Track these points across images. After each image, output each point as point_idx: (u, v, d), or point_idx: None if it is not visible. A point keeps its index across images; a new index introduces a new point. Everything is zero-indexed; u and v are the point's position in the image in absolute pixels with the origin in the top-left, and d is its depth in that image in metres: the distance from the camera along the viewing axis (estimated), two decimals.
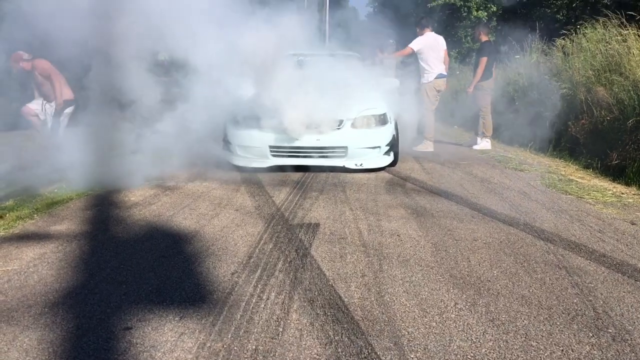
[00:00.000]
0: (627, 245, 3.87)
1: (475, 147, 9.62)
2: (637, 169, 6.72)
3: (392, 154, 6.55)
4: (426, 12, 24.23)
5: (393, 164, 6.61)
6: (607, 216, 4.70)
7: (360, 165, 6.28)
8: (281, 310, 2.74)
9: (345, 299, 2.86)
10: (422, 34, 9.07)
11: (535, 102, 11.26)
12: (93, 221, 4.42)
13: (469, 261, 3.48)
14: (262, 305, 2.79)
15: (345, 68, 7.43)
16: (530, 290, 3.01)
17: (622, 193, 5.73)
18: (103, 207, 4.85)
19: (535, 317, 2.67)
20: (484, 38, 9.87)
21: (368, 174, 6.22)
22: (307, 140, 6.19)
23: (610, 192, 5.69)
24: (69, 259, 3.50)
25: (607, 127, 8.30)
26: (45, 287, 3.04)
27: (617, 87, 8.48)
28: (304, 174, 6.12)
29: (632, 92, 7.90)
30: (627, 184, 6.36)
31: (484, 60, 9.52)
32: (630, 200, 5.33)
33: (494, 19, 23.56)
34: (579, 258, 3.57)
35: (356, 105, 6.46)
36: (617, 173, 7.01)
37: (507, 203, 5.10)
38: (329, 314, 2.69)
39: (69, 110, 7.68)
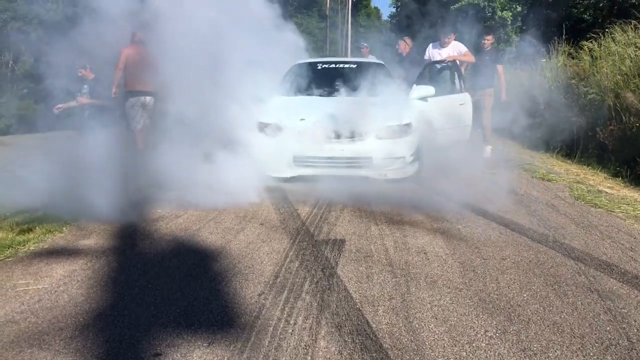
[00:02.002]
0: None
1: (485, 155, 9.15)
2: None
3: (416, 164, 6.50)
4: (451, 14, 24.01)
5: (417, 174, 6.55)
6: (639, 233, 4.60)
7: (385, 175, 6.23)
8: (309, 336, 2.73)
9: (373, 325, 2.84)
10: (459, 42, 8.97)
11: (562, 106, 11.10)
12: (120, 235, 4.46)
13: (498, 282, 3.43)
14: (290, 331, 2.78)
15: (371, 77, 7.37)
16: (562, 317, 2.95)
17: None
18: (130, 219, 4.88)
19: (567, 347, 2.62)
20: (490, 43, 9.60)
21: (393, 185, 6.17)
22: (331, 150, 6.17)
23: None
24: (98, 277, 3.53)
25: (637, 134, 8.14)
26: (76, 308, 3.06)
27: None
28: (328, 185, 6.10)
29: None
30: None
31: (501, 67, 9.35)
32: None
33: (519, 19, 23.24)
34: (611, 280, 3.50)
35: (381, 115, 6.41)
36: None
37: (535, 217, 5.02)
38: (357, 341, 2.68)
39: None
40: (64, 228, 4.66)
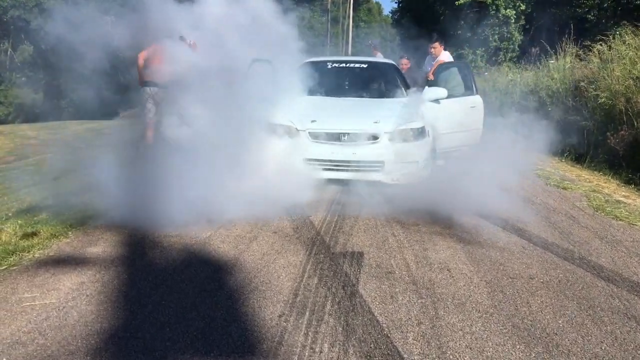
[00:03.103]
0: None
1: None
2: None
3: (429, 168, 6.32)
4: (453, 10, 23.81)
5: (430, 179, 6.36)
6: None
7: (397, 180, 6.05)
8: None
9: (405, 355, 2.66)
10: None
11: (571, 109, 10.95)
12: (128, 243, 4.27)
13: (530, 306, 3.26)
14: None
15: (382, 78, 7.18)
16: (603, 348, 2.79)
17: None
18: (137, 224, 4.67)
19: None
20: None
21: (405, 191, 5.98)
22: (343, 153, 5.98)
23: None
24: (107, 291, 3.35)
25: None
26: (86, 328, 2.88)
27: None
28: (340, 189, 5.92)
29: None
30: None
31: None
32: None
33: (523, 17, 23.08)
34: None
35: (394, 118, 6.23)
36: None
37: (556, 230, 4.86)
38: None
39: None
40: (70, 233, 4.47)
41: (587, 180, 7.49)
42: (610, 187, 7.09)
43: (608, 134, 9.05)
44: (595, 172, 8.32)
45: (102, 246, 4.19)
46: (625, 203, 6.05)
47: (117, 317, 3.03)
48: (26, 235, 4.35)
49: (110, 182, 5.16)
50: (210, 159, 5.83)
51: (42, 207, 5.34)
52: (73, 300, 3.23)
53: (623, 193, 6.74)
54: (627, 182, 7.47)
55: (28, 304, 3.17)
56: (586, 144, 9.66)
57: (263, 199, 5.43)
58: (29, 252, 4.00)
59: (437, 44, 8.44)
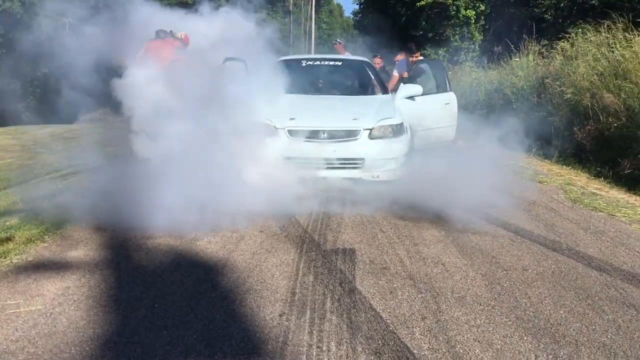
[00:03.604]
0: None
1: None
2: None
3: (408, 165, 6.29)
4: (414, 11, 24.02)
5: (409, 175, 6.34)
6: None
7: (377, 177, 6.00)
8: None
9: (415, 351, 2.61)
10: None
11: (536, 105, 11.13)
12: (111, 245, 4.11)
13: (529, 297, 3.25)
14: (326, 359, 2.52)
15: (358, 75, 7.13)
16: (609, 337, 2.79)
17: None
18: (117, 227, 4.50)
19: None
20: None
21: (387, 187, 5.94)
22: (323, 151, 5.90)
23: None
24: (96, 296, 3.20)
25: (616, 135, 8.16)
26: (78, 334, 2.73)
27: (625, 93, 8.34)
28: (322, 187, 5.84)
29: None
30: None
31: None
32: None
33: (483, 18, 23.43)
34: None
35: (372, 115, 6.18)
36: (631, 183, 6.85)
37: (540, 222, 4.90)
38: None
39: None
40: (46, 237, 4.27)
41: (559, 175, 7.61)
42: (581, 181, 7.21)
43: (575, 129, 9.22)
44: (565, 167, 8.46)
45: (83, 249, 4.01)
46: (601, 195, 6.15)
47: (109, 322, 2.89)
48: (0, 241, 4.14)
49: (84, 185, 4.98)
50: (188, 160, 5.69)
51: (12, 211, 5.10)
52: (60, 306, 3.07)
53: (595, 186, 6.85)
54: (597, 175, 7.60)
55: (12, 311, 2.99)
56: (554, 140, 9.82)
57: (245, 199, 5.31)
58: (5, 257, 3.79)
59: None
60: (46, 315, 2.95)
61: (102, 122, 18.26)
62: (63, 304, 3.09)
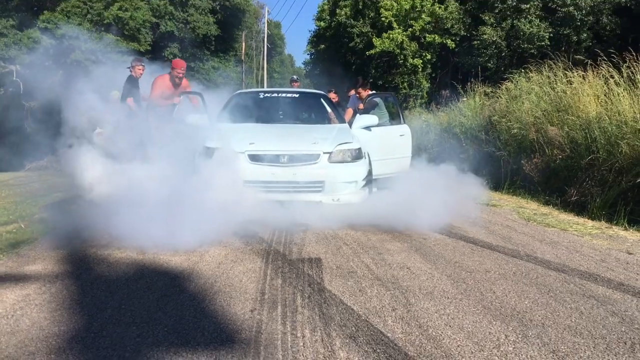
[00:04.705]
0: (638, 273, 3.85)
1: None
2: (599, 204, 6.84)
3: (367, 189, 6.40)
4: (364, 60, 24.78)
5: (368, 199, 6.44)
6: (600, 246, 4.70)
7: (337, 200, 6.06)
8: (325, 348, 2.47)
9: (389, 334, 2.63)
10: None
11: (484, 142, 11.53)
12: (70, 260, 3.99)
13: (494, 292, 3.33)
14: (302, 344, 2.52)
15: (315, 106, 7.29)
16: (573, 320, 2.88)
17: (597, 227, 5.79)
18: (75, 246, 4.40)
19: (595, 347, 2.53)
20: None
21: (346, 209, 6.01)
22: (283, 174, 5.94)
23: (590, 225, 5.75)
24: (58, 300, 3.10)
25: (561, 165, 8.51)
26: (43, 332, 2.64)
27: (569, 126, 8.75)
28: (283, 209, 5.86)
29: (585, 132, 8.13)
30: (593, 219, 6.45)
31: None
32: (611, 233, 5.39)
33: (429, 66, 24.32)
34: (600, 287, 3.49)
35: (331, 140, 6.30)
36: (578, 209, 7.13)
37: (498, 236, 5.04)
38: (379, 350, 2.46)
39: None
40: (1, 256, 4.12)
41: (511, 201, 7.86)
42: (532, 206, 7.45)
43: (522, 162, 9.57)
44: (515, 196, 8.73)
45: (41, 264, 3.89)
46: (552, 215, 6.38)
47: (75, 320, 2.80)
48: None
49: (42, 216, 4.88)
50: (149, 185, 5.66)
51: None
52: (21, 309, 2.96)
53: (545, 210, 7.10)
54: (546, 203, 7.87)
55: None
56: (503, 173, 10.15)
57: (206, 221, 5.27)
58: None
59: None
60: (7, 317, 2.84)
61: (49, 169, 17.87)
62: (24, 308, 2.99)
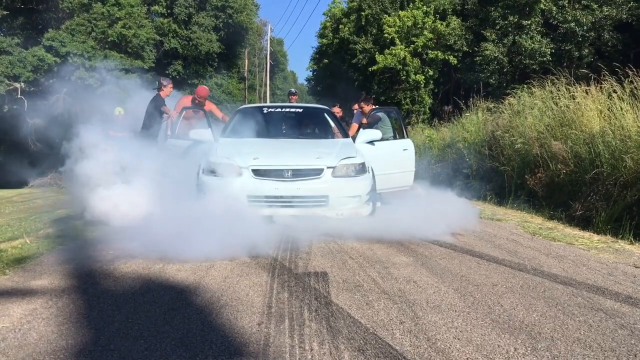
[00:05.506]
0: None
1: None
2: (605, 218, 6.82)
3: (371, 204, 6.40)
4: (366, 76, 24.91)
5: (372, 214, 6.44)
6: (607, 260, 4.69)
7: (341, 215, 6.06)
8: None
9: (397, 347, 2.61)
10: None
11: (487, 157, 11.54)
12: (76, 275, 3.99)
13: (502, 305, 3.31)
14: (310, 357, 2.50)
15: (319, 120, 7.32)
16: (582, 333, 2.86)
17: (603, 241, 5.77)
18: (81, 260, 4.41)
19: None
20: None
21: (351, 223, 6.00)
22: (287, 189, 5.95)
23: (595, 239, 5.74)
24: (65, 314, 3.10)
25: (565, 180, 8.49)
26: (51, 345, 2.63)
27: (572, 141, 8.75)
28: (288, 223, 5.86)
29: (589, 146, 8.13)
30: (598, 233, 6.43)
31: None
32: (618, 247, 5.37)
33: (432, 82, 24.43)
34: (608, 300, 3.48)
35: (335, 154, 6.31)
36: (583, 223, 7.11)
37: (503, 250, 5.02)
38: None
39: None
40: (7, 270, 4.12)
41: (515, 216, 7.84)
42: (537, 221, 7.44)
43: (526, 176, 9.57)
44: (519, 211, 8.72)
45: (47, 279, 3.89)
46: (558, 229, 6.37)
47: (82, 334, 2.79)
48: None
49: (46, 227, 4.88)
50: (154, 199, 5.68)
51: None
52: (28, 323, 2.96)
53: (551, 225, 7.08)
54: (550, 218, 7.85)
55: None
56: (507, 188, 10.15)
57: (210, 237, 5.27)
58: None
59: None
60: (15, 331, 2.83)
61: (52, 186, 17.95)
62: (31, 321, 2.98)
